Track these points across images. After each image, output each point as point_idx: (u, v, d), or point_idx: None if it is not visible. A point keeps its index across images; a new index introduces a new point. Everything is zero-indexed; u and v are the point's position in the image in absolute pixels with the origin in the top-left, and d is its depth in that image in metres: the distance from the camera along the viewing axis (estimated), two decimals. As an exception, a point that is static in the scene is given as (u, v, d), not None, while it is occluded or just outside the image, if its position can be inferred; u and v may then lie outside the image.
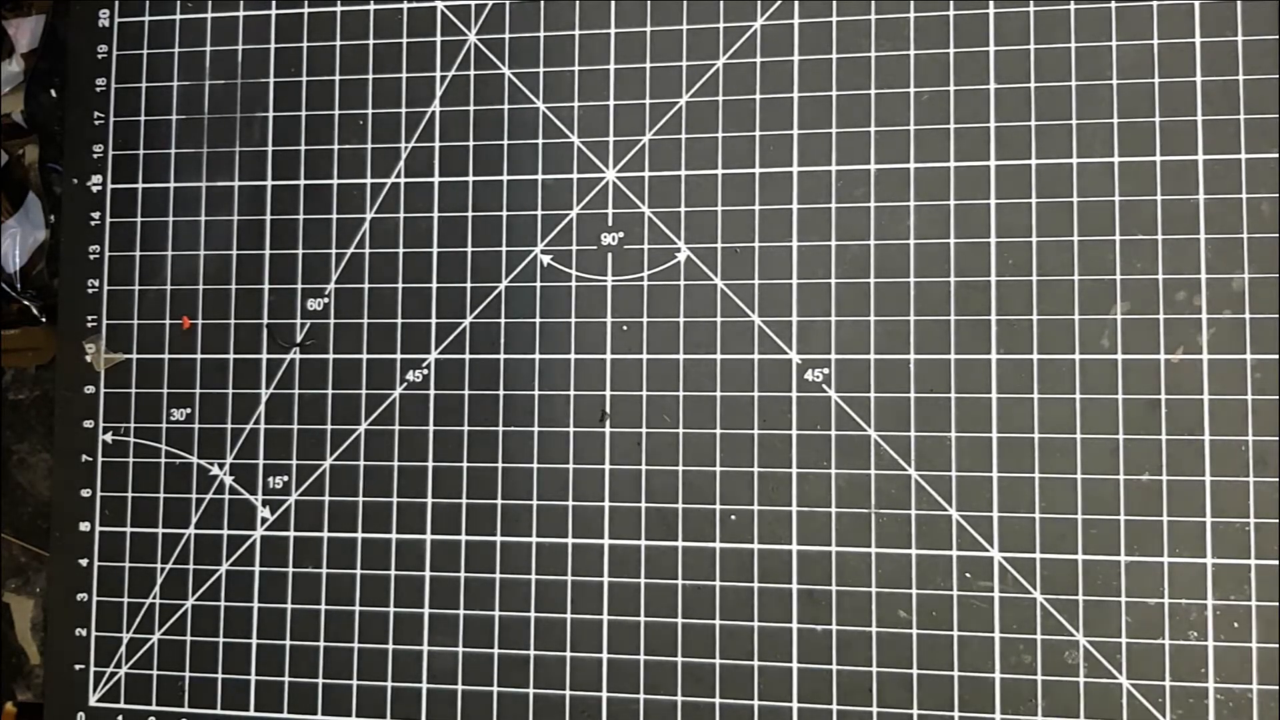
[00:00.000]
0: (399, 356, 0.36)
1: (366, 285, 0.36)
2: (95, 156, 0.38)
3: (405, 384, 0.36)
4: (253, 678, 0.36)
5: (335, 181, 0.36)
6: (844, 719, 0.32)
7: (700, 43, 0.35)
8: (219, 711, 0.36)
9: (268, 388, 0.36)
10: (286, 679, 0.35)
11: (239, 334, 0.37)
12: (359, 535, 0.35)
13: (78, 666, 0.37)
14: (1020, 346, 0.32)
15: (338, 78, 0.37)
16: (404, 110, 0.36)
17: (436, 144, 0.36)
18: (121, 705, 0.36)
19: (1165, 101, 0.32)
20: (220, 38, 0.37)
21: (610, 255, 0.35)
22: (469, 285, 0.35)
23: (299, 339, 0.36)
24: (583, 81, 0.35)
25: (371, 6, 0.37)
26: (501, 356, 0.35)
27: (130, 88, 0.38)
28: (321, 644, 0.35)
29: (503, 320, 0.35)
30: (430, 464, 0.35)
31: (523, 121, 0.35)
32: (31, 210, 0.40)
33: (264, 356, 0.36)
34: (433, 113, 0.36)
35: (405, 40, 0.36)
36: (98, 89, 0.38)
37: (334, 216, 0.36)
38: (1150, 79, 0.32)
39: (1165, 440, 0.32)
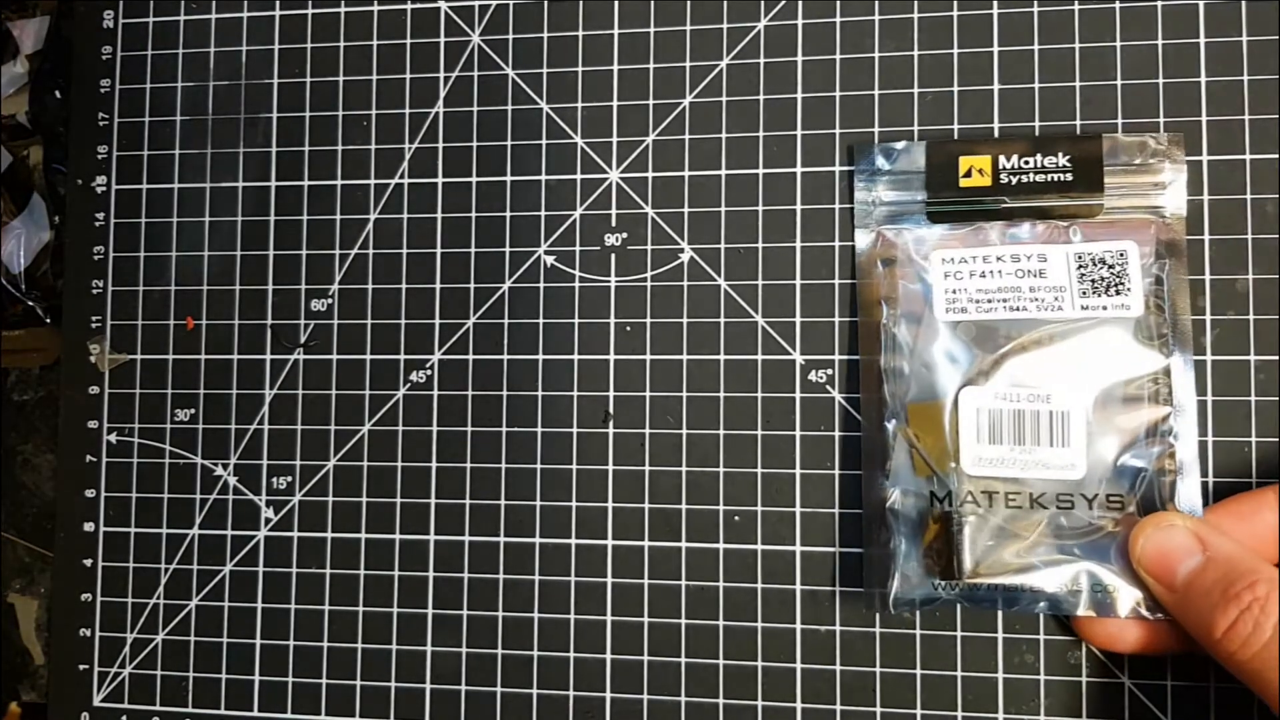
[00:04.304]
0: (402, 357, 0.36)
1: (370, 286, 0.36)
2: (99, 157, 0.38)
3: (409, 384, 0.36)
4: (256, 678, 0.36)
5: (339, 182, 0.36)
6: (848, 718, 0.32)
7: (704, 43, 0.35)
8: (223, 712, 0.36)
9: (271, 388, 0.36)
10: (290, 679, 0.35)
11: (243, 334, 0.37)
12: (362, 536, 0.35)
13: (82, 667, 0.37)
14: (1024, 347, 0.32)
15: (341, 79, 0.37)
16: (408, 111, 0.36)
17: (440, 145, 0.36)
18: (125, 705, 0.36)
19: (1169, 102, 0.32)
20: (224, 39, 0.37)
21: (614, 256, 0.35)
22: (472, 286, 0.35)
23: (303, 339, 0.36)
24: (586, 82, 0.35)
25: (375, 7, 0.37)
26: (505, 357, 0.35)
27: (134, 89, 0.38)
28: (325, 644, 0.35)
29: (506, 321, 0.35)
30: (434, 464, 0.35)
31: (526, 122, 0.35)
32: (36, 211, 0.40)
33: (268, 357, 0.36)
34: (436, 113, 0.36)
35: (409, 41, 0.36)
36: (102, 90, 0.38)
37: (338, 217, 0.36)
38: (1155, 79, 0.32)
39: (1169, 441, 0.32)
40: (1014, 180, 0.31)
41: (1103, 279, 0.30)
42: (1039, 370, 0.30)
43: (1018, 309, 0.31)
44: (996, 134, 0.33)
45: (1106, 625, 0.29)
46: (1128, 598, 0.29)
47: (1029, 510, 0.30)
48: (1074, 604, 0.29)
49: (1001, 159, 0.31)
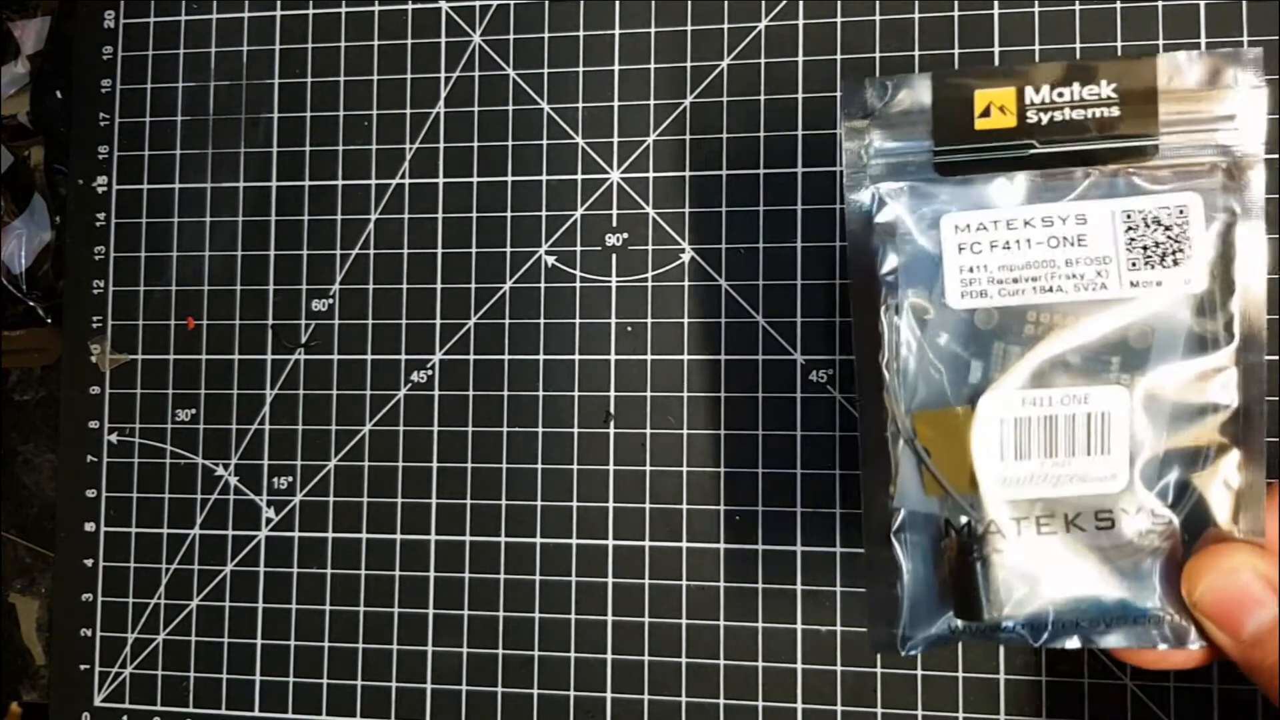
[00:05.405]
0: (403, 357, 0.36)
1: (371, 286, 0.36)
2: (100, 158, 0.38)
3: (410, 384, 0.36)
4: (257, 678, 0.36)
5: (340, 182, 0.36)
6: (848, 719, 0.32)
7: (705, 43, 0.35)
8: (223, 712, 0.36)
9: (272, 388, 0.36)
10: (291, 679, 0.35)
11: (244, 334, 0.37)
12: (363, 536, 0.35)
13: (83, 667, 0.37)
14: (1025, 347, 0.32)
15: (342, 79, 0.37)
16: (409, 111, 0.36)
17: (441, 145, 0.36)
18: (126, 705, 0.36)
19: (1170, 102, 0.32)
20: (225, 39, 0.37)
21: (614, 256, 0.35)
22: (473, 286, 0.35)
23: (304, 339, 0.36)
24: (587, 82, 0.35)
25: (376, 8, 0.37)
26: (506, 357, 0.35)
27: (135, 89, 0.38)
28: (326, 644, 0.35)
29: (507, 321, 0.35)
30: (435, 465, 0.35)
31: (527, 122, 0.35)
32: (37, 211, 0.40)
33: (269, 357, 0.36)
34: (437, 114, 0.36)
35: (410, 41, 0.36)
36: (103, 90, 0.38)
37: (339, 217, 0.36)
38: (1155, 79, 0.32)
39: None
40: (1044, 119, 0.24)
41: (1157, 245, 0.24)
42: (1076, 364, 0.25)
43: (1051, 289, 0.25)
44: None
45: (1144, 654, 0.26)
46: (1172, 630, 0.25)
47: (1063, 534, 0.25)
48: (1113, 638, 0.25)
49: (1029, 92, 0.24)
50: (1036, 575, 0.25)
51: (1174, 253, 0.24)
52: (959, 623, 0.25)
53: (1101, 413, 0.25)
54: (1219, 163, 0.24)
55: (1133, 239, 0.24)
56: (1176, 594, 0.24)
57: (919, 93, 0.25)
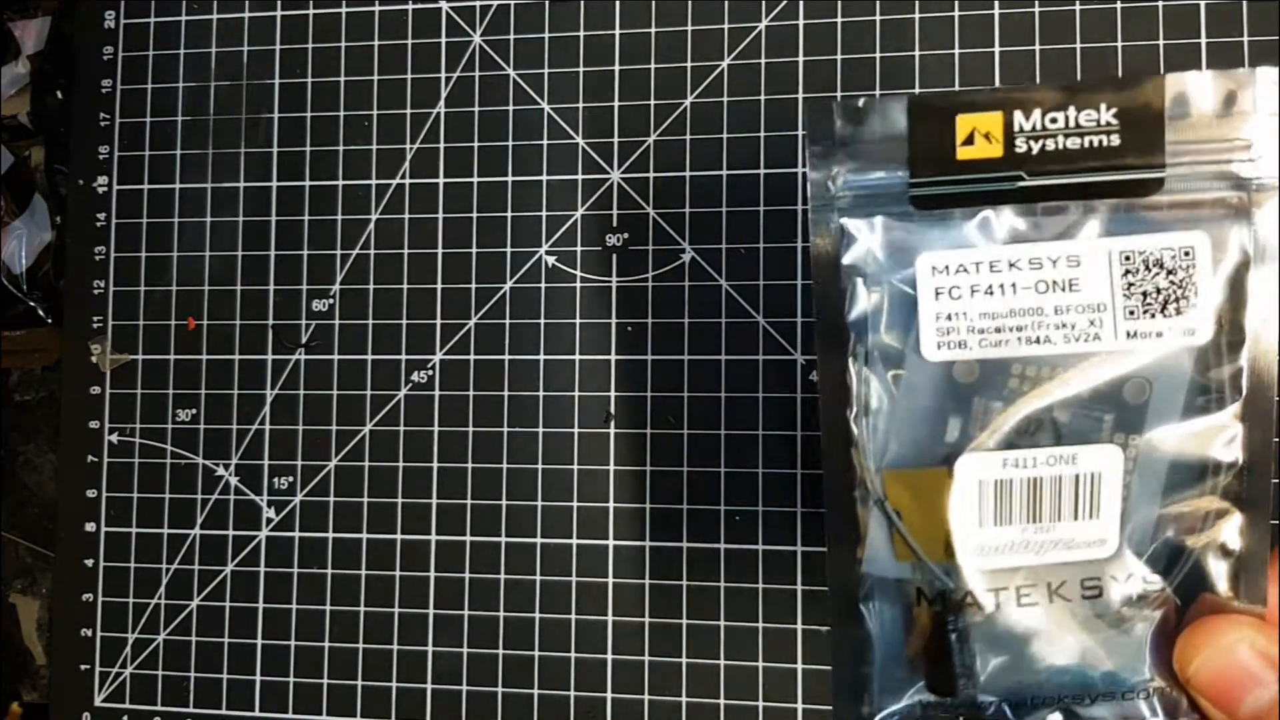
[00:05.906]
0: (404, 357, 0.36)
1: (371, 286, 0.36)
2: (101, 158, 0.38)
3: (410, 385, 0.36)
4: (258, 678, 0.36)
5: (340, 183, 0.36)
6: None
7: (705, 43, 0.35)
8: (224, 712, 0.36)
9: (273, 388, 0.36)
10: (291, 679, 0.35)
11: (244, 335, 0.37)
12: (364, 536, 0.35)
13: (83, 667, 0.37)
14: (1025, 347, 0.32)
15: (343, 79, 0.37)
16: (409, 111, 0.36)
17: (441, 145, 0.36)
18: (127, 705, 0.36)
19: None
20: (225, 39, 0.37)
21: (615, 256, 0.35)
22: (474, 286, 0.35)
23: (304, 340, 0.36)
24: (587, 82, 0.35)
25: (376, 8, 0.37)
26: (506, 357, 0.35)
27: (136, 89, 0.38)
28: (326, 644, 0.35)
29: (507, 321, 0.35)
30: (435, 465, 0.35)
31: (527, 122, 0.35)
32: (37, 212, 0.40)
33: (269, 357, 0.37)
34: (438, 114, 0.36)
35: (410, 41, 0.36)
36: (103, 90, 0.38)
37: (339, 217, 0.36)
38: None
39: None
40: (1035, 147, 0.22)
41: (1159, 291, 0.22)
42: (1064, 422, 0.23)
43: (1038, 340, 0.22)
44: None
45: None
46: (1162, 704, 0.23)
47: (1046, 605, 0.23)
48: (1099, 712, 0.23)
49: (1018, 117, 0.22)
50: (1016, 647, 0.23)
51: (1177, 300, 0.22)
52: (931, 697, 0.24)
53: (1091, 474, 0.23)
54: (1231, 197, 0.22)
55: (1131, 284, 0.22)
56: (1168, 665, 0.23)
57: (894, 117, 0.22)
